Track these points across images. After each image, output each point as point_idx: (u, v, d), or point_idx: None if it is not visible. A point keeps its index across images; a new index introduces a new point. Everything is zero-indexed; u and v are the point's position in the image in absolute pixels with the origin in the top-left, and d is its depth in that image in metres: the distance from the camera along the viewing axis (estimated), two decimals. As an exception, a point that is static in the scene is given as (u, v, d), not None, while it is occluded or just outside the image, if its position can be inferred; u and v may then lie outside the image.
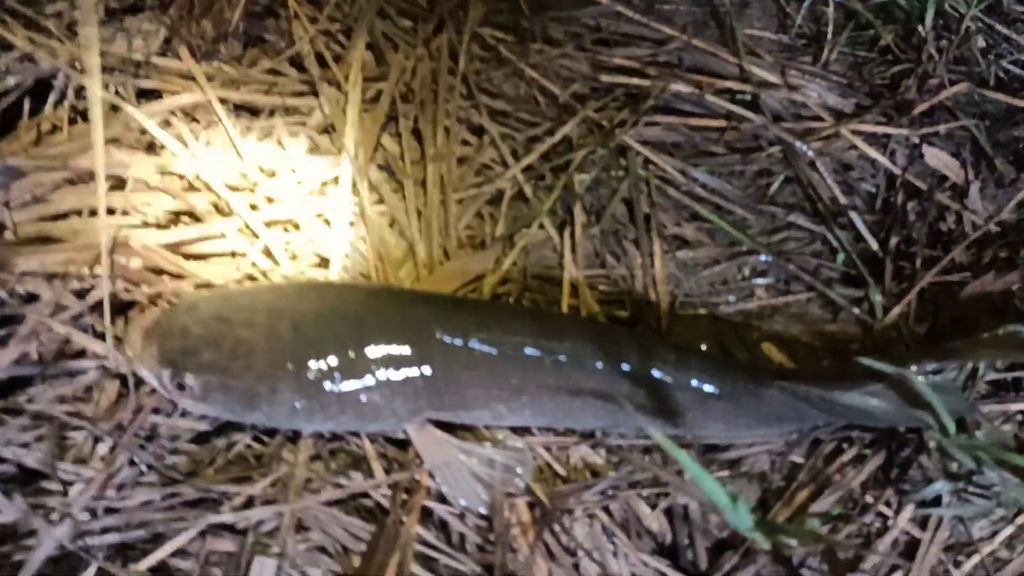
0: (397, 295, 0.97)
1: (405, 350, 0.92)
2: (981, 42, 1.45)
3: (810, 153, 1.27)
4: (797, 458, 1.04)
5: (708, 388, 0.96)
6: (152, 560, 0.89)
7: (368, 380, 0.91)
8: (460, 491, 0.95)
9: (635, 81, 1.30)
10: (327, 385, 0.90)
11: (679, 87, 1.28)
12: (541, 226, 1.18)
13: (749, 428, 1.01)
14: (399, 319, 0.93)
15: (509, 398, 0.95)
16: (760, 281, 1.19)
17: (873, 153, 1.29)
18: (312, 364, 0.90)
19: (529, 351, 0.93)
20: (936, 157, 1.32)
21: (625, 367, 0.94)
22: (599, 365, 0.94)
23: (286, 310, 0.92)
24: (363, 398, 0.91)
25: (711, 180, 1.25)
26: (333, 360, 0.90)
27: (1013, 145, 1.35)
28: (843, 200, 1.26)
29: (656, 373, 0.95)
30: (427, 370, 0.92)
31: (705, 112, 1.30)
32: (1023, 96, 1.36)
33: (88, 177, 1.05)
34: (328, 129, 1.22)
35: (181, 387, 0.90)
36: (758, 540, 0.80)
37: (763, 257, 1.20)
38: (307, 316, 0.92)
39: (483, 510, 0.95)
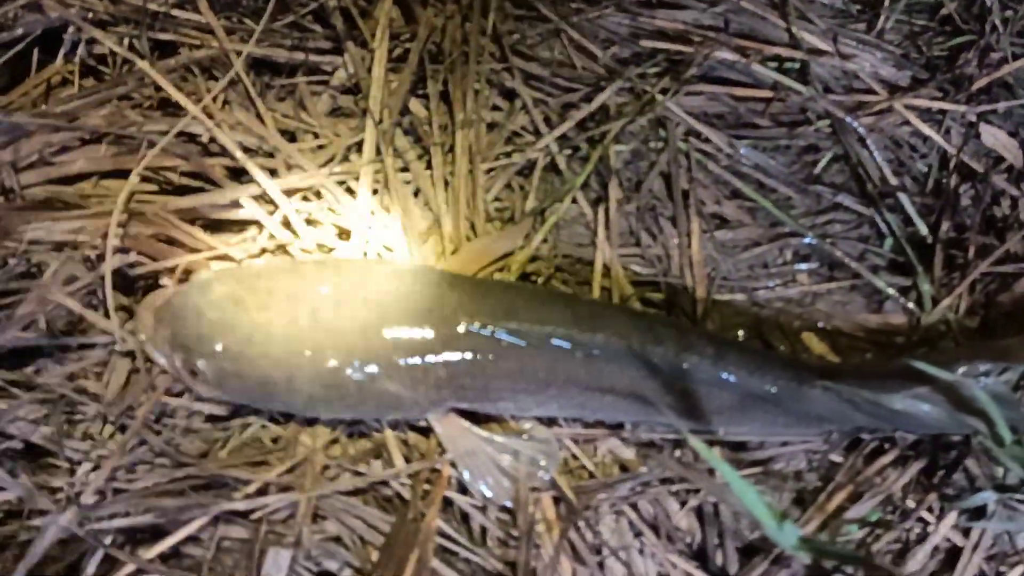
0: (420, 277, 0.92)
1: (428, 338, 0.87)
2: (1052, 12, 1.35)
3: (860, 129, 1.19)
4: (836, 457, 0.99)
5: (748, 386, 0.91)
6: (162, 547, 0.86)
7: (389, 369, 0.86)
8: (484, 482, 0.91)
9: (678, 47, 1.21)
10: (347, 374, 0.86)
11: (724, 54, 1.20)
12: (574, 200, 1.12)
13: (788, 427, 0.97)
14: (423, 305, 0.88)
15: (536, 391, 0.90)
16: (803, 266, 1.13)
17: (927, 130, 1.21)
18: (331, 352, 0.85)
19: (559, 343, 0.88)
20: (994, 136, 1.24)
21: (660, 362, 0.89)
22: (633, 359, 0.89)
23: (304, 293, 0.87)
24: (384, 388, 0.87)
25: (755, 155, 1.18)
26: (353, 348, 0.85)
27: (1076, 125, 1.27)
28: (893, 181, 1.18)
29: (693, 369, 0.90)
30: (451, 360, 0.87)
31: (751, 82, 1.22)
32: (1090, 73, 1.27)
33: (100, 136, 0.99)
34: (352, 89, 1.16)
35: (194, 373, 0.85)
36: (800, 556, 0.76)
37: (807, 240, 1.13)
38: (326, 300, 0.87)
39: (507, 503, 0.91)
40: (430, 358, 0.87)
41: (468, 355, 0.88)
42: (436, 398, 0.89)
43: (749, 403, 0.92)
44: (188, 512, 0.86)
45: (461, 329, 0.87)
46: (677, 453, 0.98)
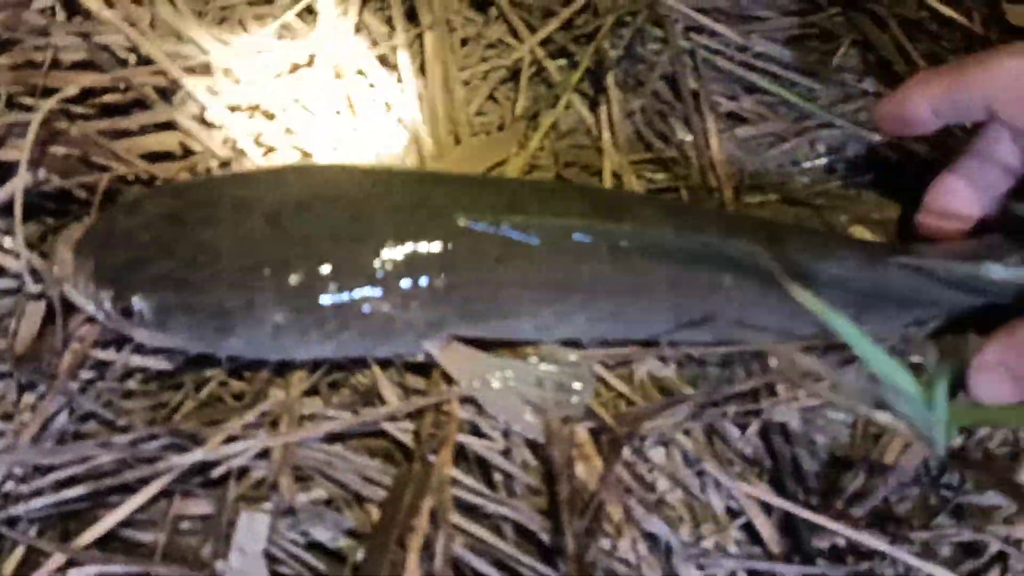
0: (403, 175, 0.75)
1: (419, 242, 0.70)
2: None
3: (879, 10, 1.06)
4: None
5: (810, 272, 0.75)
6: (99, 529, 0.66)
7: (373, 284, 0.69)
8: (511, 415, 0.74)
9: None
10: (319, 294, 0.68)
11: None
12: (568, 106, 0.97)
13: (859, 319, 0.79)
14: (409, 202, 0.71)
15: (556, 299, 0.73)
16: (838, 156, 0.98)
17: (947, 11, 1.08)
18: (296, 267, 0.67)
19: (580, 237, 0.72)
20: (1021, 17, 1.11)
21: (704, 252, 0.73)
22: (674, 248, 0.72)
23: (258, 199, 0.69)
24: (368, 309, 0.69)
25: (767, 46, 1.04)
26: (324, 260, 0.68)
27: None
28: (920, 62, 1.04)
29: (743, 257, 0.73)
30: (449, 267, 0.70)
31: (751, -31, 1.08)
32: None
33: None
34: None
35: (128, 313, 0.67)
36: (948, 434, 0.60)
37: (840, 128, 0.99)
38: (286, 205, 0.69)
39: (538, 438, 0.74)
40: (422, 267, 0.70)
41: (469, 260, 0.71)
42: (434, 319, 0.72)
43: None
44: (132, 474, 0.67)
45: (458, 227, 0.70)
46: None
